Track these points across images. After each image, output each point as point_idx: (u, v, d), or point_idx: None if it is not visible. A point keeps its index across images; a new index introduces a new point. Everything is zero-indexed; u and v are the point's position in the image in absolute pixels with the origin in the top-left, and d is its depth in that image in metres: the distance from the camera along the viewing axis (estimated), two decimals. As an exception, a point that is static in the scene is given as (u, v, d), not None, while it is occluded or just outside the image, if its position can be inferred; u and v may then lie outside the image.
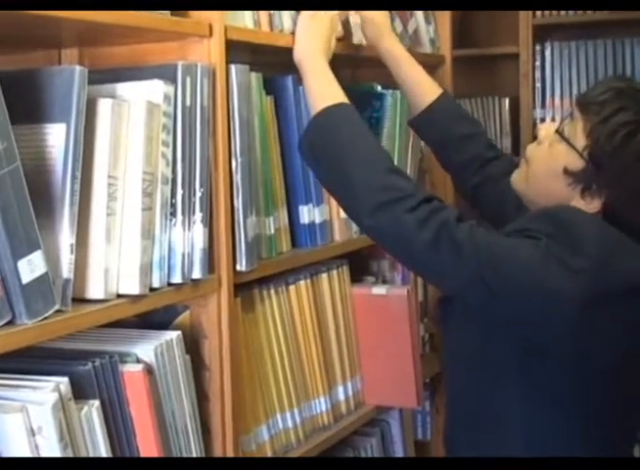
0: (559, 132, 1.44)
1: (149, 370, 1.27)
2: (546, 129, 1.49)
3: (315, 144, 1.46)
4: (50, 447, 1.07)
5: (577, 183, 1.40)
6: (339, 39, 1.70)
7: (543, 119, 3.22)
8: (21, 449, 1.06)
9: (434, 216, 1.34)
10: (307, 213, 1.69)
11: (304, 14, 1.57)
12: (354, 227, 1.81)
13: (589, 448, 1.40)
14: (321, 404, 1.77)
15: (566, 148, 1.42)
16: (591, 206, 1.39)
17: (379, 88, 1.98)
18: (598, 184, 1.38)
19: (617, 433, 1.46)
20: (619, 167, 1.36)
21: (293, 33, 1.58)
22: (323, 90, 1.50)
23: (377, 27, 1.78)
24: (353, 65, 1.79)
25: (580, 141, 1.39)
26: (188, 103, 1.33)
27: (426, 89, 1.82)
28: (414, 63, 1.82)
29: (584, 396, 1.38)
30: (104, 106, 1.21)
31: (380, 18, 1.78)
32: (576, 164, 1.40)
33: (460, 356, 1.52)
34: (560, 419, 1.38)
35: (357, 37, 1.81)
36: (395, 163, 2.00)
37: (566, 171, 1.41)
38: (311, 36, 1.55)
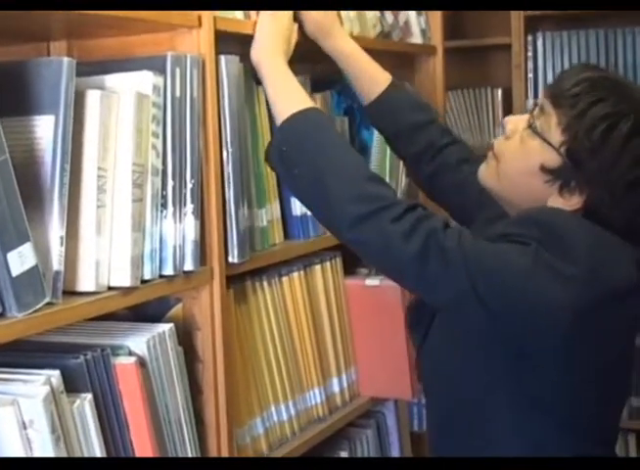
0: (532, 127, 1.36)
1: (141, 363, 1.27)
2: (514, 123, 1.41)
3: (285, 154, 1.39)
4: (42, 441, 1.06)
5: (555, 180, 1.34)
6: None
7: (536, 110, 3.21)
8: (12, 443, 1.06)
9: (421, 225, 1.28)
10: (299, 205, 1.69)
11: (264, 14, 1.51)
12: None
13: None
14: (316, 396, 1.77)
15: (540, 144, 1.34)
16: (571, 202, 1.33)
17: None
18: (578, 181, 1.32)
19: (607, 440, 1.44)
20: (601, 163, 1.30)
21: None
22: (287, 95, 1.44)
23: (315, 25, 1.64)
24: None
25: (556, 136, 1.32)
26: (178, 94, 1.32)
27: (374, 80, 1.74)
28: (361, 55, 1.72)
29: (574, 404, 1.34)
30: (92, 97, 1.21)
31: (318, 15, 1.64)
32: (553, 160, 1.33)
33: (447, 364, 1.46)
34: (550, 427, 1.34)
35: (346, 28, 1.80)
36: (388, 156, 2.02)
37: (542, 169, 1.34)
38: (270, 37, 1.49)
